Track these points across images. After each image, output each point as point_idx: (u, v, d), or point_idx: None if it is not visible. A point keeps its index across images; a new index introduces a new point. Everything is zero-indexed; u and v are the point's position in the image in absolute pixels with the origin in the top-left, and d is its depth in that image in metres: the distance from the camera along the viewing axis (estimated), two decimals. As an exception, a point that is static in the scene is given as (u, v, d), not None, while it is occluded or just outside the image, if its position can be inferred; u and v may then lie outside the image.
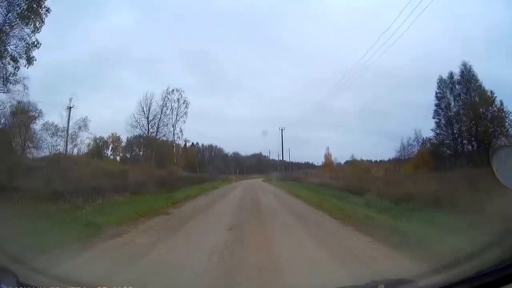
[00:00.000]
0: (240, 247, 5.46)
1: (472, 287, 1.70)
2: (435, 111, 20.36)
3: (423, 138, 21.39)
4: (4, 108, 14.88)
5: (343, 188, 15.87)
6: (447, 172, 16.40)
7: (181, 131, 25.66)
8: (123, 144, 29.51)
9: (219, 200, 14.80)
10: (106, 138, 27.56)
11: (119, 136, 28.51)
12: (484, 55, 32.02)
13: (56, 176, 11.18)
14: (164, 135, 25.20)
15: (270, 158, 51.71)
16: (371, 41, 30.66)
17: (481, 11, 33.63)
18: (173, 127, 25.11)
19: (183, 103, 25.35)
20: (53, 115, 25.60)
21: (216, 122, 55.11)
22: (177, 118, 25.17)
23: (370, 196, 11.82)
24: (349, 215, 8.44)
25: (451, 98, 20.26)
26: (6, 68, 13.81)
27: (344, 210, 9.48)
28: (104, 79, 36.69)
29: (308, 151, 74.00)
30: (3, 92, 14.10)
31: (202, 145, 42.43)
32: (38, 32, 14.45)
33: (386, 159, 26.24)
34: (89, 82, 37.55)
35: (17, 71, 14.10)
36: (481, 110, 18.92)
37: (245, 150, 64.24)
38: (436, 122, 20.40)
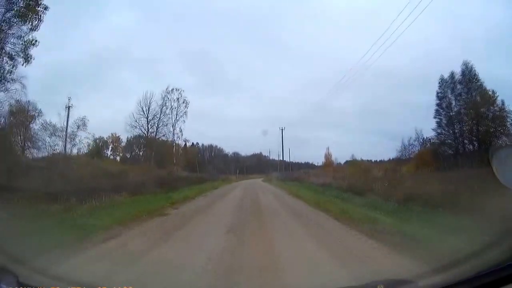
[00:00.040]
0: (240, 250, 5.35)
1: (472, 287, 1.70)
2: (436, 110, 20.45)
3: (424, 138, 21.45)
4: (2, 108, 14.94)
5: (344, 188, 15.71)
6: (447, 172, 16.38)
7: (181, 131, 25.74)
8: (123, 144, 29.62)
9: (219, 201, 14.77)
10: (106, 138, 27.67)
11: (119, 136, 28.65)
12: (484, 55, 32.13)
13: (54, 176, 11.11)
14: (163, 135, 25.28)
15: (270, 158, 51.91)
16: (371, 41, 30.74)
17: (481, 11, 33.74)
18: (172, 127, 25.16)
19: (183, 102, 25.42)
20: (53, 115, 25.69)
21: (216, 122, 55.35)
22: (177, 118, 25.25)
23: (373, 197, 11.53)
24: (354, 218, 7.96)
25: (452, 98, 20.32)
26: (3, 67, 13.84)
27: (347, 212, 8.95)
28: (104, 79, 36.90)
29: (308, 151, 74.35)
30: (1, 91, 14.15)
31: (202, 145, 42.61)
32: (36, 30, 14.53)
33: (386, 159, 26.33)
34: (89, 82, 37.74)
35: (14, 69, 14.14)
36: (482, 109, 18.90)
37: (245, 150, 64.65)
38: (437, 122, 20.48)
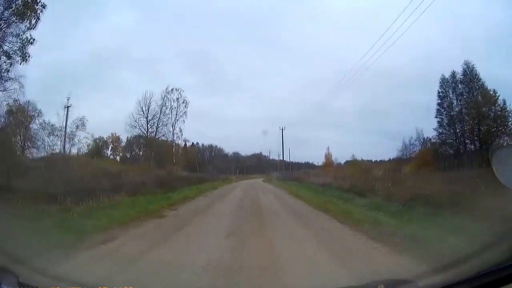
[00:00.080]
0: (240, 250, 5.31)
1: (472, 287, 1.70)
2: (438, 110, 20.40)
3: (425, 137, 21.43)
4: (1, 107, 14.94)
5: (345, 189, 15.54)
6: (448, 172, 16.34)
7: (180, 131, 25.67)
8: (123, 144, 29.61)
9: (219, 201, 14.75)
10: (106, 138, 27.66)
11: (119, 136, 28.61)
12: (484, 55, 32.06)
13: (54, 176, 11.07)
14: (163, 135, 25.25)
15: (270, 158, 51.86)
16: (371, 41, 30.66)
17: (481, 11, 33.63)
18: (172, 126, 25.11)
19: (183, 102, 25.35)
20: (53, 115, 25.74)
21: (216, 122, 55.27)
22: (177, 118, 25.17)
23: (376, 197, 11.23)
24: (355, 218, 7.71)
25: (454, 97, 20.28)
26: (0, 66, 13.82)
27: (351, 214, 8.59)
28: (104, 79, 36.90)
29: (308, 151, 74.18)
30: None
31: (202, 145, 42.53)
32: (34, 29, 14.52)
33: (386, 159, 26.28)
34: (89, 82, 37.75)
35: (11, 67, 14.13)
36: (484, 109, 18.87)
37: (245, 150, 64.44)
38: (438, 122, 20.42)
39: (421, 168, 17.89)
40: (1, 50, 13.82)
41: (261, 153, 54.59)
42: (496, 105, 18.81)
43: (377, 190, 12.19)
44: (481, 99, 19.18)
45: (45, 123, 18.04)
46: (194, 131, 39.55)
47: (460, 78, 19.90)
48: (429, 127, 21.09)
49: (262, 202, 14.25)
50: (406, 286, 2.07)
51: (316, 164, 42.86)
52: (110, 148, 28.93)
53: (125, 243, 5.71)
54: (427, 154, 20.12)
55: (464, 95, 19.99)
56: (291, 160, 43.52)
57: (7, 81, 14.17)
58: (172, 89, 25.11)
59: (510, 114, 18.41)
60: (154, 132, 24.59)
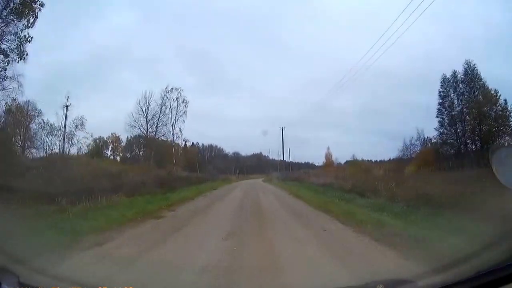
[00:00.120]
0: (240, 250, 5.29)
1: (472, 287, 1.69)
2: (439, 110, 20.37)
3: (425, 137, 21.41)
4: (0, 107, 14.90)
5: (346, 189, 15.43)
6: (448, 172, 16.30)
7: (180, 130, 25.57)
8: (123, 144, 29.58)
9: (219, 201, 14.72)
10: (106, 138, 27.65)
11: (119, 136, 28.57)
12: (484, 55, 32.00)
13: (54, 176, 11.05)
14: (163, 135, 25.15)
15: (271, 158, 51.79)
16: (371, 41, 30.59)
17: (481, 11, 33.53)
18: (172, 126, 25.02)
19: (183, 102, 25.25)
20: (52, 115, 25.73)
21: (216, 122, 55.19)
22: (176, 118, 25.06)
23: (379, 198, 11.06)
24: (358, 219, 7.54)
25: (455, 97, 20.25)
26: (-2, 65, 13.77)
27: (354, 214, 8.39)
28: (104, 79, 36.84)
29: (308, 151, 73.86)
30: None
31: (202, 145, 42.45)
32: (32, 27, 14.47)
33: (386, 159, 26.26)
34: (89, 82, 37.60)
35: (8, 66, 14.08)
36: (485, 109, 18.82)
37: (245, 150, 64.37)
38: (439, 121, 20.38)
39: (421, 168, 17.87)
40: None
41: (261, 153, 54.60)
42: (497, 105, 18.79)
43: (380, 191, 12.01)
44: (482, 99, 19.14)
45: (44, 122, 18.02)
46: (194, 131, 39.53)
47: (461, 78, 19.90)
48: (430, 127, 21.08)
49: (262, 202, 14.23)
50: (406, 286, 2.07)
51: (316, 164, 42.84)
52: (110, 148, 28.94)
53: (122, 244, 5.64)
54: (428, 154, 20.08)
55: (465, 95, 19.97)
56: (291, 160, 43.57)
57: (5, 79, 14.13)
58: (172, 89, 25.05)
59: (511, 114, 18.42)
60: (154, 132, 24.57)
